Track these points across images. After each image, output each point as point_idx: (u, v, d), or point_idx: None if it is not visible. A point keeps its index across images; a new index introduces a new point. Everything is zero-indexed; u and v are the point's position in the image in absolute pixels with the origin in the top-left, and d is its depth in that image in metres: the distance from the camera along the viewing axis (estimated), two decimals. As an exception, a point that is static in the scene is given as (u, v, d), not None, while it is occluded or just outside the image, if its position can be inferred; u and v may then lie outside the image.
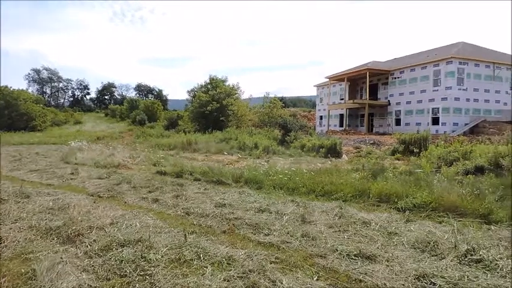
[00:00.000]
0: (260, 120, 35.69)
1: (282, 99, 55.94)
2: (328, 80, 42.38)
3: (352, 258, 4.18)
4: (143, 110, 52.74)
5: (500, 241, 4.61)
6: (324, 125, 43.46)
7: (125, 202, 7.31)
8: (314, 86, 50.71)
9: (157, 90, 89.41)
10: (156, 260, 4.04)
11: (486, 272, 3.79)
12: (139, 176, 10.66)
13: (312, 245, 4.65)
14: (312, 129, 35.77)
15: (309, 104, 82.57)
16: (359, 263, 4.07)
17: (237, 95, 37.62)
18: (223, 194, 7.81)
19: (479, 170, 9.17)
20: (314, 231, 5.13)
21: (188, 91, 43.32)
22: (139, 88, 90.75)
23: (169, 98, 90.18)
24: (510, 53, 34.71)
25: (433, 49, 36.14)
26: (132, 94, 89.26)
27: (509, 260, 3.96)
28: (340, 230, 5.23)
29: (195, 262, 4.02)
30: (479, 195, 6.34)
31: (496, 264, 3.91)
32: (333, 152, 17.15)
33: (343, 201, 7.04)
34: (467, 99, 29.94)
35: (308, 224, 5.54)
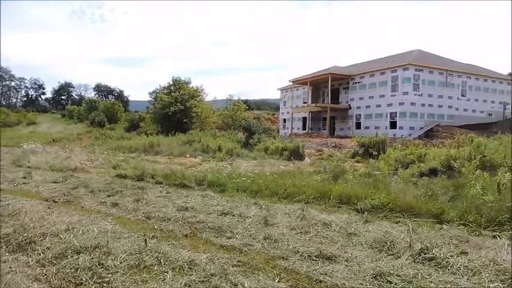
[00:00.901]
0: (224, 123, 35.60)
1: (246, 101, 56.09)
2: (291, 83, 43.05)
3: (313, 259, 4.25)
4: (103, 111, 50.94)
5: (451, 239, 4.84)
6: (288, 128, 44.05)
7: (82, 207, 7.03)
8: (278, 89, 51.35)
9: (118, 90, 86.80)
10: (115, 266, 3.91)
11: (438, 269, 3.97)
12: (98, 179, 10.29)
13: (274, 247, 4.69)
14: (276, 132, 36.14)
15: (273, 107, 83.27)
16: (319, 263, 4.14)
17: (200, 97, 37.28)
18: (186, 198, 7.70)
19: (433, 172, 9.62)
20: (276, 233, 5.17)
21: (150, 92, 42.32)
22: (98, 88, 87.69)
23: (130, 99, 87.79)
24: (460, 61, 36.84)
25: (391, 56, 37.69)
26: (91, 94, 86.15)
27: (459, 258, 4.17)
28: (302, 232, 5.30)
29: (155, 267, 3.93)
30: (432, 196, 6.66)
31: (447, 261, 4.11)
32: (296, 154, 17.39)
33: (305, 203, 7.15)
34: (423, 104, 31.43)
35: (271, 227, 5.57)
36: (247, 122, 25.86)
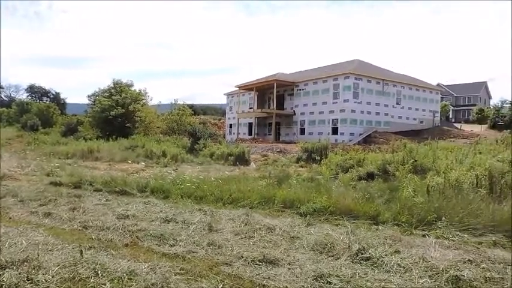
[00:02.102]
0: (169, 128, 34.84)
1: (192, 106, 55.40)
2: (237, 88, 43.28)
3: (256, 264, 4.28)
4: (36, 114, 47.42)
5: (386, 239, 5.13)
6: (234, 133, 44.16)
7: (10, 218, 6.49)
8: (224, 94, 51.35)
9: (53, 92, 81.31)
10: (46, 281, 3.64)
11: (374, 268, 4.18)
12: (29, 187, 9.56)
13: (218, 253, 4.66)
14: (222, 137, 36.08)
15: (219, 112, 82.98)
16: (263, 268, 4.18)
17: (144, 100, 36.21)
18: (127, 205, 7.41)
19: (370, 176, 10.15)
20: (221, 239, 5.15)
21: (89, 95, 40.21)
22: (32, 90, 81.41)
23: (68, 101, 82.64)
24: (395, 72, 39.40)
25: (333, 64, 39.32)
26: (23, 96, 79.86)
27: (393, 256, 4.43)
28: (246, 237, 5.32)
29: (91, 280, 3.72)
30: (369, 198, 7.02)
31: (382, 260, 4.34)
32: (242, 159, 17.49)
33: (250, 208, 7.19)
34: (362, 112, 33.12)
35: (215, 232, 5.54)
36: (193, 127, 25.56)
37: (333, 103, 33.54)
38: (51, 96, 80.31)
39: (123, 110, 32.29)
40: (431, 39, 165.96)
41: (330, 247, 4.79)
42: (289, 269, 4.13)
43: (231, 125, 47.99)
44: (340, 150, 16.69)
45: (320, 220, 6.36)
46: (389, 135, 30.44)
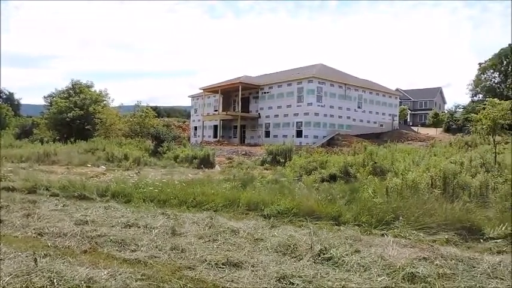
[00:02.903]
0: (131, 130, 33.91)
1: (155, 108, 54.22)
2: (202, 91, 42.94)
3: (220, 267, 4.27)
4: (-13, 115, 44.85)
5: (347, 239, 5.27)
6: (199, 136, 43.75)
7: (-44, 226, 6.06)
8: (189, 96, 50.78)
9: (6, 92, 77.12)
10: (-4, 291, 3.45)
11: (335, 268, 4.29)
12: (-21, 193, 8.99)
13: (181, 257, 4.60)
14: (186, 140, 35.65)
15: (184, 114, 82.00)
16: (226, 271, 4.17)
17: (105, 102, 35.10)
18: (86, 210, 7.14)
19: (332, 178, 10.40)
20: (184, 243, 5.08)
21: (45, 96, 38.41)
22: (-18, 89, 76.86)
23: (22, 102, 78.73)
24: (357, 76, 40.62)
25: (297, 68, 39.93)
26: (-28, 96, 75.09)
27: (353, 256, 4.56)
28: (210, 240, 5.29)
29: (46, 289, 3.56)
30: (331, 200, 7.19)
31: (343, 260, 4.45)
32: (207, 162, 17.37)
33: (214, 211, 7.17)
34: (325, 115, 33.86)
35: (178, 236, 5.46)
36: (156, 130, 25.06)
37: (297, 106, 34.06)
38: (4, 96, 76.10)
39: (82, 112, 31.15)
40: (391, 47, 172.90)
41: (293, 248, 4.86)
42: (253, 271, 4.15)
43: (196, 128, 47.51)
44: (304, 153, 16.98)
45: (284, 222, 6.43)
46: (352, 138, 31.31)
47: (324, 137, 33.07)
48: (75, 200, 8.32)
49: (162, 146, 21.43)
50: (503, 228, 5.34)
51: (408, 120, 66.75)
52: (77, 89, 33.99)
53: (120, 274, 3.93)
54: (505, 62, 54.58)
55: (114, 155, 18.98)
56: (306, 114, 33.24)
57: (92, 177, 12.53)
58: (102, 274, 3.92)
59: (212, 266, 4.28)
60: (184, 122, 60.01)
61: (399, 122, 45.80)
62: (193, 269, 4.22)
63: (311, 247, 4.82)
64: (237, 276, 3.99)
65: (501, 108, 9.56)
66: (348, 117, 35.97)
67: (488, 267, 4.14)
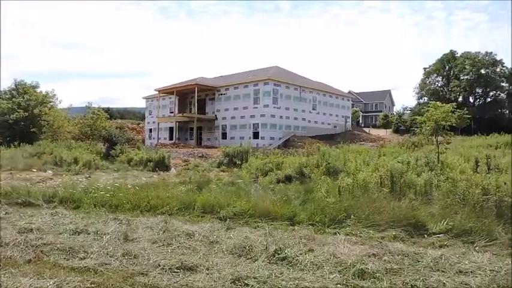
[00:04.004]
0: (82, 133, 32.41)
1: (108, 110, 52.24)
2: (157, 92, 42.03)
3: (174, 272, 4.20)
4: None
5: (301, 239, 5.38)
6: (154, 138, 42.76)
7: None
8: (143, 97, 49.50)
9: None
10: None
11: (289, 267, 4.36)
12: None
13: (134, 263, 4.47)
14: (140, 142, 34.69)
15: (138, 116, 79.64)
16: (181, 275, 4.11)
17: (52, 103, 33.32)
18: (31, 218, 6.73)
19: (288, 179, 10.58)
20: (137, 248, 4.95)
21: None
22: None
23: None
24: (311, 79, 41.65)
25: (253, 70, 40.25)
26: None
27: (307, 255, 4.66)
28: (164, 245, 5.19)
29: (-16, 304, 3.32)
30: (286, 200, 7.31)
31: (297, 259, 4.54)
32: (162, 165, 17.01)
33: (169, 214, 7.03)
34: (281, 117, 34.37)
35: (131, 242, 5.30)
36: (109, 132, 24.14)
37: (254, 108, 34.30)
38: None
39: (27, 114, 29.37)
40: (343, 50, 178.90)
41: (248, 250, 4.88)
42: (208, 274, 4.12)
43: (150, 130, 46.40)
44: (261, 154, 17.13)
45: (240, 223, 6.44)
46: (307, 139, 32.01)
47: (280, 138, 33.56)
48: (19, 207, 7.82)
49: (114, 149, 20.70)
50: (445, 223, 5.70)
51: (360, 121, 69.46)
52: (20, 90, 31.95)
53: (67, 283, 3.75)
54: (447, 67, 58.52)
55: (63, 158, 18.03)
56: (262, 116, 33.56)
57: (38, 182, 11.83)
58: (48, 284, 3.73)
59: (166, 271, 4.20)
60: (139, 124, 58.40)
61: (352, 124, 47.51)
62: (146, 275, 4.12)
63: (266, 248, 4.86)
64: (192, 280, 3.95)
65: (443, 111, 10.22)
66: (303, 119, 36.77)
67: (431, 261, 4.40)
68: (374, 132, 48.47)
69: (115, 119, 59.67)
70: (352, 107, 54.35)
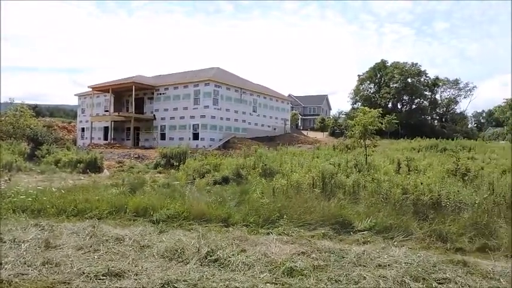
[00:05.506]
0: (2, 131, 29.65)
1: (35, 107, 48.57)
2: (91, 89, 39.82)
3: (100, 279, 4.01)
4: None
5: (234, 240, 5.43)
6: (87, 138, 40.41)
7: None
8: (75, 95, 46.64)
9: None
10: None
11: (221, 269, 4.38)
12: None
13: (55, 272, 4.19)
14: (71, 143, 32.64)
15: (70, 114, 74.88)
16: (107, 282, 3.95)
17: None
18: None
19: (225, 180, 10.60)
20: (59, 256, 4.65)
21: None
22: None
23: None
24: (252, 81, 42.13)
25: (194, 70, 39.72)
26: None
27: (239, 256, 4.71)
28: (90, 251, 4.93)
29: None
30: (221, 202, 7.32)
31: (229, 260, 4.57)
32: (93, 167, 16.13)
33: (98, 219, 6.70)
34: (221, 118, 34.31)
35: (53, 249, 4.97)
36: (34, 131, 22.39)
37: (194, 109, 33.88)
38: None
39: None
40: (284, 54, 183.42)
41: (180, 253, 4.82)
42: (136, 279, 4.00)
43: (83, 129, 43.79)
44: (200, 156, 16.96)
45: (173, 226, 6.33)
46: (247, 141, 32.29)
47: (220, 139, 33.50)
48: None
49: (40, 149, 19.24)
50: (369, 221, 6.09)
51: (299, 124, 71.63)
52: None
53: (-26, 298, 3.42)
54: (378, 74, 62.56)
55: (-21, 159, 16.39)
56: (202, 117, 33.25)
57: None
58: (-49, 300, 3.37)
59: (91, 279, 4.01)
60: (70, 122, 54.80)
61: (291, 126, 48.85)
62: (69, 284, 3.90)
63: (198, 250, 4.84)
64: (118, 287, 3.81)
65: (370, 116, 10.93)
66: (244, 121, 37.05)
67: (355, 257, 4.67)
68: (312, 134, 50.19)
69: (43, 116, 55.56)
70: (292, 110, 55.95)
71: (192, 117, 33.85)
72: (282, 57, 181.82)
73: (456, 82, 65.32)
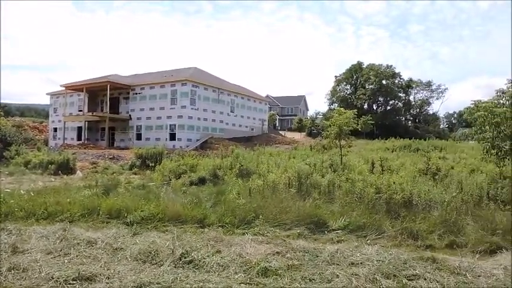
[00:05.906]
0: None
1: (4, 106, 46.75)
2: (64, 88, 38.71)
3: (69, 283, 3.91)
4: None
5: (209, 241, 5.40)
6: (59, 138, 39.26)
7: None
8: (47, 94, 45.20)
9: None
10: None
11: (195, 270, 4.35)
12: None
13: (22, 277, 4.06)
14: (42, 143, 31.65)
15: (42, 113, 72.59)
16: (77, 286, 3.86)
17: None
18: None
19: (202, 181, 10.53)
20: (27, 261, 4.50)
21: None
22: None
23: None
24: (230, 82, 42.04)
25: (171, 70, 39.23)
26: None
27: (214, 257, 4.69)
28: (60, 255, 4.80)
29: None
30: (197, 203, 7.26)
31: (203, 262, 4.54)
32: (66, 168, 15.69)
33: (69, 222, 6.54)
34: (199, 118, 34.04)
35: (20, 254, 4.81)
36: (2, 131, 21.57)
37: (171, 109, 33.46)
38: None
39: None
40: (261, 55, 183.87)
41: (154, 255, 4.76)
42: (108, 283, 3.92)
43: (55, 129, 42.47)
44: (176, 156, 16.76)
45: (148, 228, 6.24)
46: (225, 142, 32.16)
47: (198, 140, 33.23)
48: None
49: (9, 150, 18.56)
50: (343, 220, 6.18)
51: (277, 124, 71.94)
52: None
53: None
54: (355, 76, 63.58)
55: None
56: (179, 117, 32.89)
57: None
58: None
59: (60, 284, 3.90)
60: (42, 122, 53.11)
61: (269, 127, 48.97)
62: (36, 289, 3.77)
63: (173, 252, 4.78)
64: (89, 291, 3.72)
65: (345, 117, 11.10)
66: (221, 121, 36.90)
67: (328, 256, 4.73)
68: (289, 135, 50.50)
69: (13, 116, 53.64)
70: (270, 111, 56.14)
71: (169, 117, 33.42)
72: (260, 57, 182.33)
73: (429, 84, 67.21)
